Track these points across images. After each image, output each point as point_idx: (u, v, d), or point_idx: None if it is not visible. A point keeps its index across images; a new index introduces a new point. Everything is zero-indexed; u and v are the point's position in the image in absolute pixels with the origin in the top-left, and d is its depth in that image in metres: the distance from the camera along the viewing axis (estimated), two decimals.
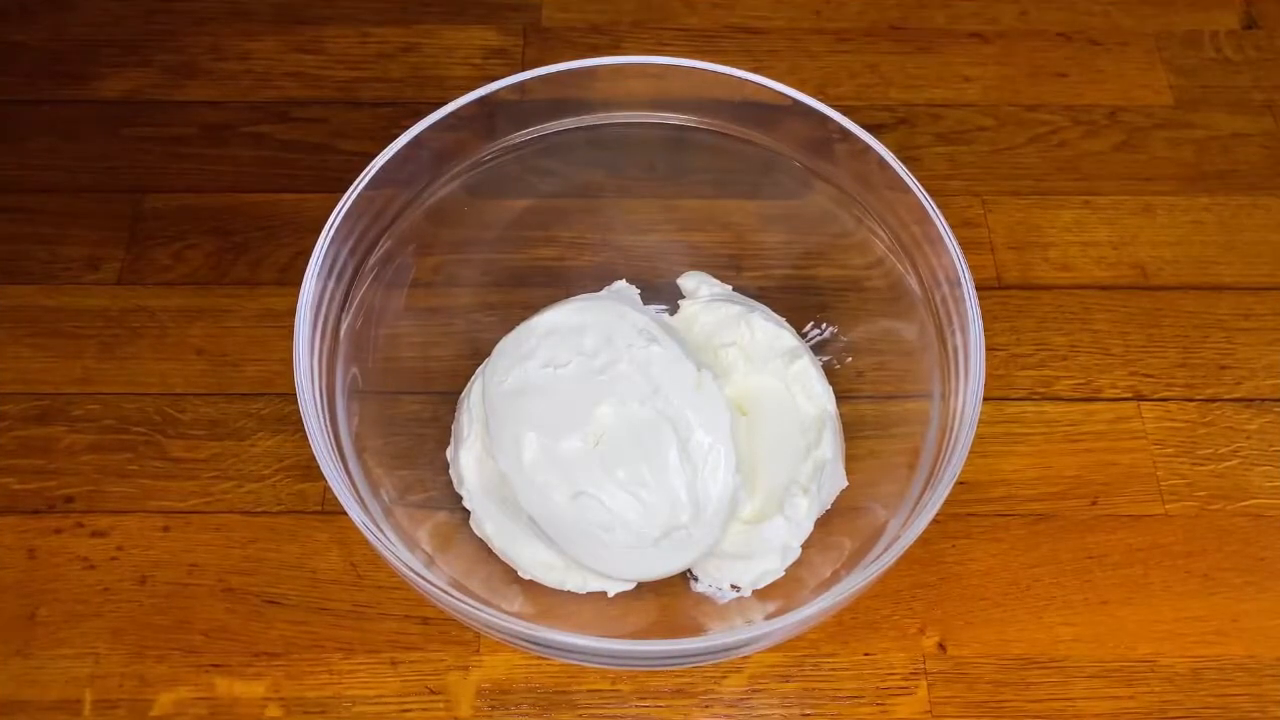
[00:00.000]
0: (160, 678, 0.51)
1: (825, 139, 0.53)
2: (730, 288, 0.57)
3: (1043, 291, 0.62)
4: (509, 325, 0.53)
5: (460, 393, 0.55)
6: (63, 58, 0.69)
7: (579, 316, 0.52)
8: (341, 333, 0.50)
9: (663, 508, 0.49)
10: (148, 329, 0.60)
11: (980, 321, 0.47)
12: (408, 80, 0.69)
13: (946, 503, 0.44)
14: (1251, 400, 0.59)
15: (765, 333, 0.54)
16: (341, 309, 0.50)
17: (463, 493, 0.52)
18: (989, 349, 0.47)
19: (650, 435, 0.49)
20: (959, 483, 0.45)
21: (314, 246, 0.47)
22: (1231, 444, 0.57)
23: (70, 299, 0.60)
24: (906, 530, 0.44)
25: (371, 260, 0.52)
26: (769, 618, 0.49)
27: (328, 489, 0.49)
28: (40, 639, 0.51)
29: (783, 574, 0.51)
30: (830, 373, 0.55)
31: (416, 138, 0.51)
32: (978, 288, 0.47)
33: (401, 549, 0.45)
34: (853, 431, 0.54)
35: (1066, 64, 0.71)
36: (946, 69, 0.70)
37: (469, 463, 0.52)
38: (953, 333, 0.49)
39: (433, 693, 0.51)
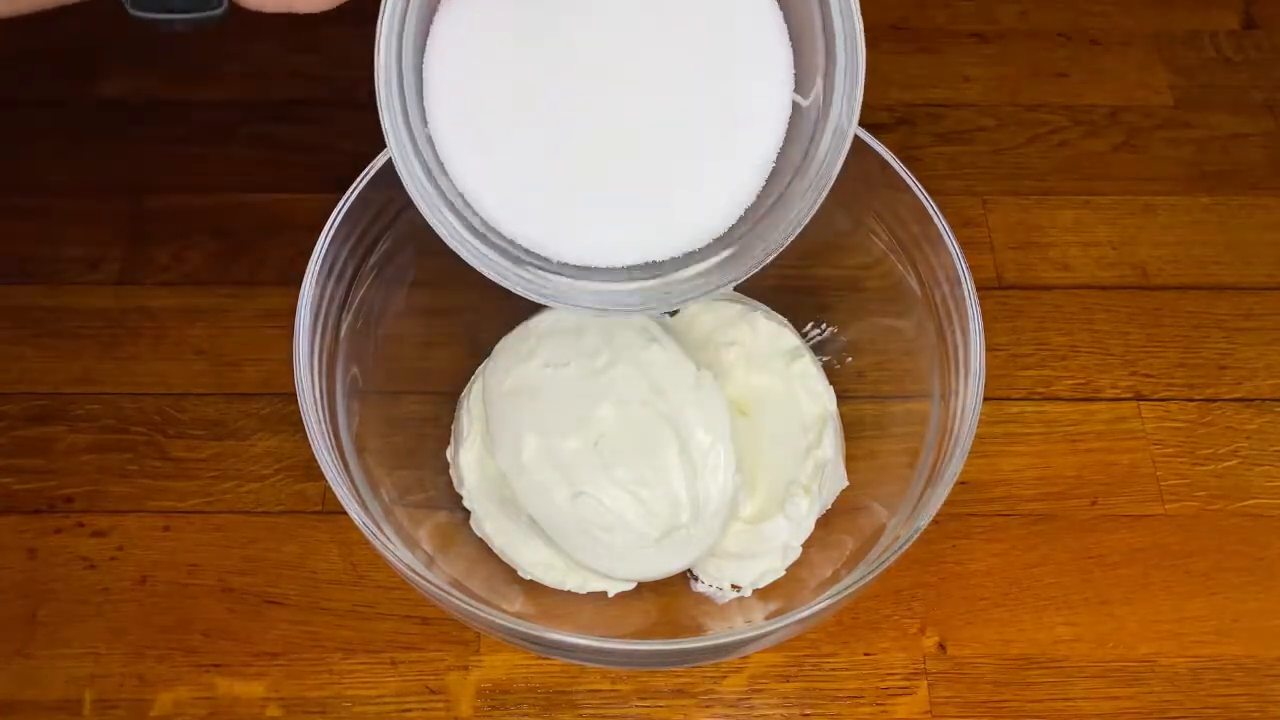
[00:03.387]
0: (160, 678, 0.51)
1: None
2: (731, 287, 0.57)
3: (1043, 291, 0.62)
4: (509, 325, 0.53)
5: (460, 393, 0.55)
6: (63, 58, 0.69)
7: (579, 316, 0.51)
8: (341, 333, 0.50)
9: (663, 508, 0.49)
10: (148, 329, 0.60)
11: (980, 321, 0.47)
12: None
13: (946, 503, 0.44)
14: (1251, 400, 0.59)
15: (766, 332, 0.54)
16: (341, 309, 0.50)
17: (463, 493, 0.52)
18: (989, 349, 0.47)
19: (650, 435, 0.49)
20: (959, 483, 0.45)
21: (314, 246, 0.47)
22: (1231, 444, 0.57)
23: (70, 299, 0.60)
24: (906, 530, 0.44)
25: (371, 260, 0.51)
26: (769, 617, 0.49)
27: (328, 489, 0.49)
28: (40, 639, 0.51)
29: (783, 573, 0.51)
30: (830, 373, 0.55)
31: None
32: (978, 287, 0.47)
33: (401, 549, 0.45)
34: (853, 431, 0.54)
35: (1066, 64, 0.71)
36: (946, 69, 0.70)
37: (469, 463, 0.52)
38: (953, 332, 0.49)
39: (433, 693, 0.51)
